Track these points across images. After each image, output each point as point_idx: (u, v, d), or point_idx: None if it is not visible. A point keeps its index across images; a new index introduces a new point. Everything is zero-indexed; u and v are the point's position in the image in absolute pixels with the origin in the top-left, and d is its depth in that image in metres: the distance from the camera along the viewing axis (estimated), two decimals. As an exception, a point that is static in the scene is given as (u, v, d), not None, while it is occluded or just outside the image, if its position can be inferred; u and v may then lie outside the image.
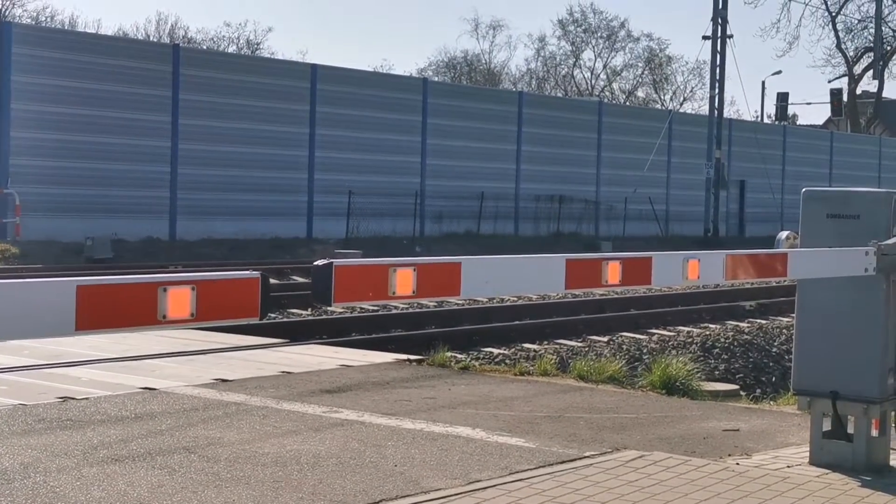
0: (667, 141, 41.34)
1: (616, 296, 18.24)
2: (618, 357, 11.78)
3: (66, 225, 25.42)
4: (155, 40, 60.84)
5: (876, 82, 60.81)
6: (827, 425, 6.13)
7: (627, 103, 70.43)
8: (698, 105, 71.30)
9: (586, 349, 13.36)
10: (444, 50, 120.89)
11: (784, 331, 16.09)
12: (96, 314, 2.84)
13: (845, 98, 57.28)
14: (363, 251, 24.56)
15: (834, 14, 61.75)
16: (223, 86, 29.39)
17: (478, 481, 5.62)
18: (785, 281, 9.97)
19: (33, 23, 55.17)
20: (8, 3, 60.41)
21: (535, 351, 13.07)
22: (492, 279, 4.02)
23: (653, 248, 29.31)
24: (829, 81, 64.95)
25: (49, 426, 6.63)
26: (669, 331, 15.75)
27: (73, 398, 7.45)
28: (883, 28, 52.75)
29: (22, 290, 2.73)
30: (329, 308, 15.50)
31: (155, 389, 7.89)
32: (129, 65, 27.54)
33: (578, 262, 4.35)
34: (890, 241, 5.92)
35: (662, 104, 73.09)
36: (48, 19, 61.99)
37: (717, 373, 13.23)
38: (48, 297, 2.77)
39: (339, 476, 5.67)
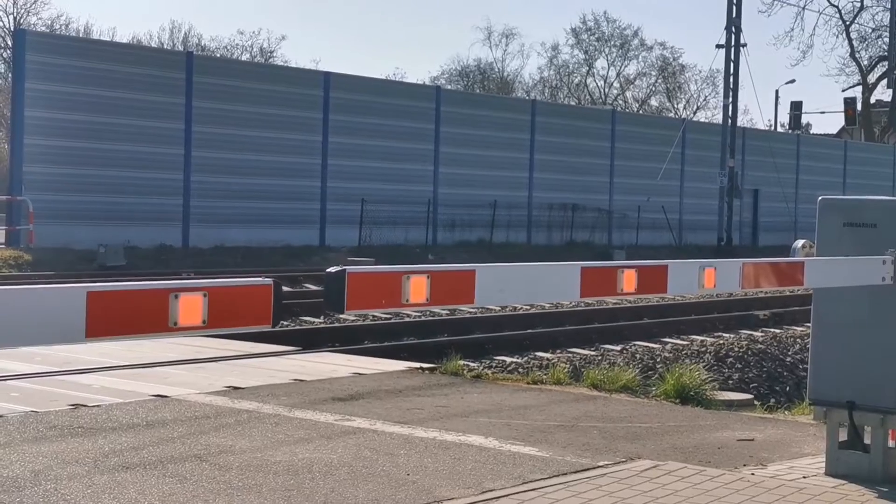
0: (680, 150, 41.25)
1: (629, 304, 18.19)
2: (631, 366, 11.73)
3: (78, 232, 25.44)
4: (169, 48, 61.00)
5: (890, 91, 60.59)
6: (843, 436, 6.08)
7: (641, 112, 70.37)
8: (712, 114, 71.31)
9: (599, 358, 13.31)
10: (457, 58, 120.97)
11: (798, 340, 16.01)
12: (107, 321, 2.80)
13: (859, 107, 57.06)
14: (376, 259, 24.54)
15: (848, 23, 61.70)
16: (236, 93, 29.41)
17: (491, 490, 5.58)
18: (800, 290, 9.92)
19: (48, 31, 55.39)
20: (23, 11, 60.68)
21: (547, 360, 13.02)
22: (507, 287, 3.98)
23: (666, 257, 29.21)
24: (843, 90, 64.63)
25: (60, 433, 6.61)
26: (683, 340, 15.70)
27: (84, 405, 7.43)
28: (897, 37, 52.51)
29: (32, 296, 2.71)
30: (341, 315, 15.50)
31: (166, 397, 7.87)
32: (143, 72, 27.58)
33: (594, 269, 4.31)
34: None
35: (676, 113, 73.02)
36: (63, 27, 62.27)
37: (730, 382, 13.16)
38: (58, 303, 2.74)
39: (351, 485, 5.64)
